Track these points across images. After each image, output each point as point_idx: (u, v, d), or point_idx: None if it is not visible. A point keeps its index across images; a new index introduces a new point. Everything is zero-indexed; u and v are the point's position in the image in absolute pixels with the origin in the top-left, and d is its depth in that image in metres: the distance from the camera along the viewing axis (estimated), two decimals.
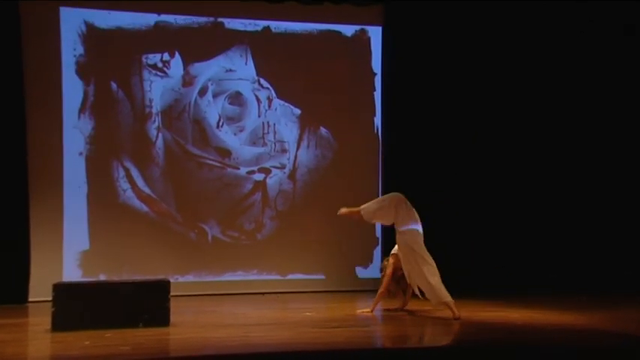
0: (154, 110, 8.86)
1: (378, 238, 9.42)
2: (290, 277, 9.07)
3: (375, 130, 9.50)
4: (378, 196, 9.41)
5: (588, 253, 9.43)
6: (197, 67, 8.99)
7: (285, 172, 9.23)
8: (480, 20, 9.48)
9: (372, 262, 9.39)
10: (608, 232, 9.52)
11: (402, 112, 9.34)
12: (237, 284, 8.91)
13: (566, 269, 9.35)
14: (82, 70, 8.64)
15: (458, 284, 8.96)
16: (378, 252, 9.39)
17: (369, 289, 9.15)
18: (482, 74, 9.45)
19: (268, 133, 9.19)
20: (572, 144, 9.68)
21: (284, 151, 9.25)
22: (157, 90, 8.86)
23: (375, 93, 9.50)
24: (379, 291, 7.14)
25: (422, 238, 6.91)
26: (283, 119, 9.26)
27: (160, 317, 6.23)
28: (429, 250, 6.96)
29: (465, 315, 6.88)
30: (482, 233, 9.36)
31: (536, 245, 9.47)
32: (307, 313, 7.10)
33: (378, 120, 9.49)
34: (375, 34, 9.50)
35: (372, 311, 7.06)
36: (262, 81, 9.19)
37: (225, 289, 8.84)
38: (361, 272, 9.35)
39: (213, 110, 9.05)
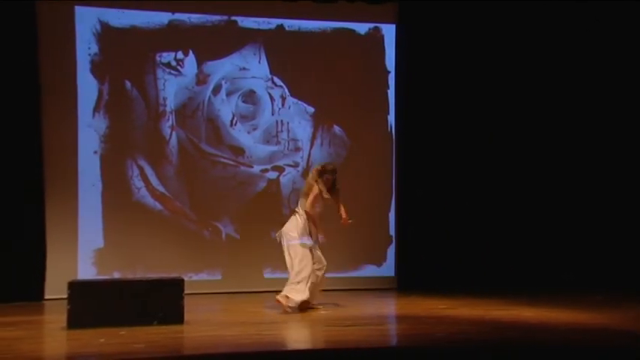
0: (167, 109, 8.91)
1: (391, 237, 9.43)
2: None
3: (389, 129, 9.50)
4: (392, 195, 9.47)
5: (602, 251, 9.40)
6: (211, 66, 9.03)
7: (298, 171, 9.25)
8: (494, 18, 9.46)
9: (385, 260, 9.40)
10: (623, 230, 9.47)
11: (416, 110, 9.35)
12: (251, 282, 8.93)
13: (581, 268, 9.32)
14: (96, 69, 8.70)
15: (470, 283, 9.05)
16: (391, 250, 9.40)
17: (382, 287, 9.19)
18: (496, 72, 9.43)
19: (282, 131, 9.21)
20: (586, 142, 9.63)
21: (297, 149, 9.27)
22: (170, 88, 8.91)
23: (388, 91, 9.50)
24: None
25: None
26: (297, 117, 9.28)
27: (174, 315, 6.27)
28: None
29: (479, 314, 6.89)
30: (494, 232, 9.36)
31: (550, 244, 9.44)
32: (321, 312, 7.12)
33: (391, 118, 9.49)
34: (389, 31, 9.50)
35: None
36: (276, 79, 9.21)
37: (238, 287, 8.87)
38: (375, 271, 9.36)
39: (226, 109, 9.09)
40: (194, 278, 8.69)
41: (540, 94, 9.57)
